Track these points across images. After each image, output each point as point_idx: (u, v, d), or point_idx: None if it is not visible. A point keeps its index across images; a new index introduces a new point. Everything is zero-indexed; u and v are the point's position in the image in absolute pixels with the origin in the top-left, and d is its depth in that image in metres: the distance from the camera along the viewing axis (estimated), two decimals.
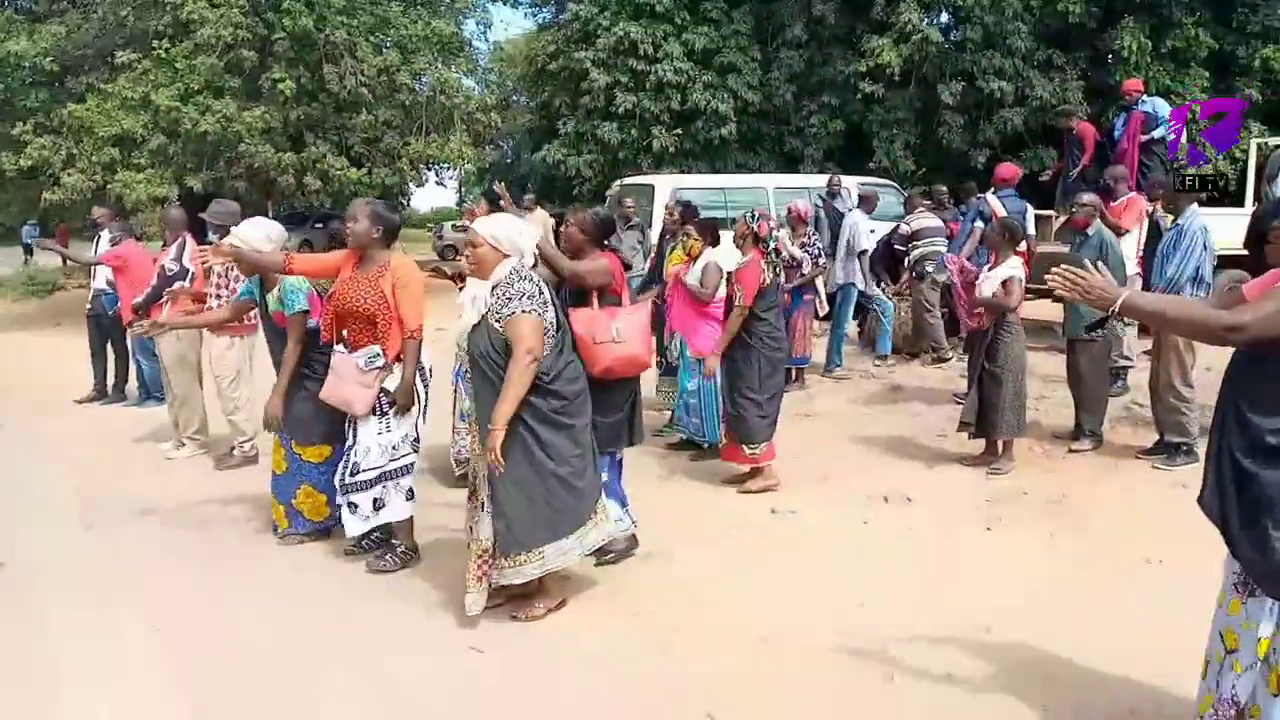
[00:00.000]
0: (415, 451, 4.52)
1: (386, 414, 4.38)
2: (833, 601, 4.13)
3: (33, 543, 5.03)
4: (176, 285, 6.60)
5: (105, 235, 8.26)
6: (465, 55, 18.22)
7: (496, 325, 3.65)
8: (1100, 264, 2.65)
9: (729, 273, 5.97)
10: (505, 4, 20.72)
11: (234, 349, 6.37)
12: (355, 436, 4.43)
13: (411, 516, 4.58)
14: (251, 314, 6.31)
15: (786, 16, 19.96)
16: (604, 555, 4.47)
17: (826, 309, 11.86)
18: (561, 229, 4.52)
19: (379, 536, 4.66)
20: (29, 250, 27.05)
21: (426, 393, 4.51)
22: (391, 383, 4.35)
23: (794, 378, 8.50)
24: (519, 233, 3.77)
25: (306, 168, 15.17)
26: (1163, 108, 10.38)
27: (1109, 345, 6.81)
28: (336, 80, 14.82)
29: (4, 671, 3.61)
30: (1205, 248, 5.99)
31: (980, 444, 6.37)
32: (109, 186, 13.91)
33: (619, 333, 4.18)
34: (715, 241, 6.48)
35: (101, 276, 8.35)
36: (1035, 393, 8.24)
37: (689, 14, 19.86)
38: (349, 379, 4.35)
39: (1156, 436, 6.42)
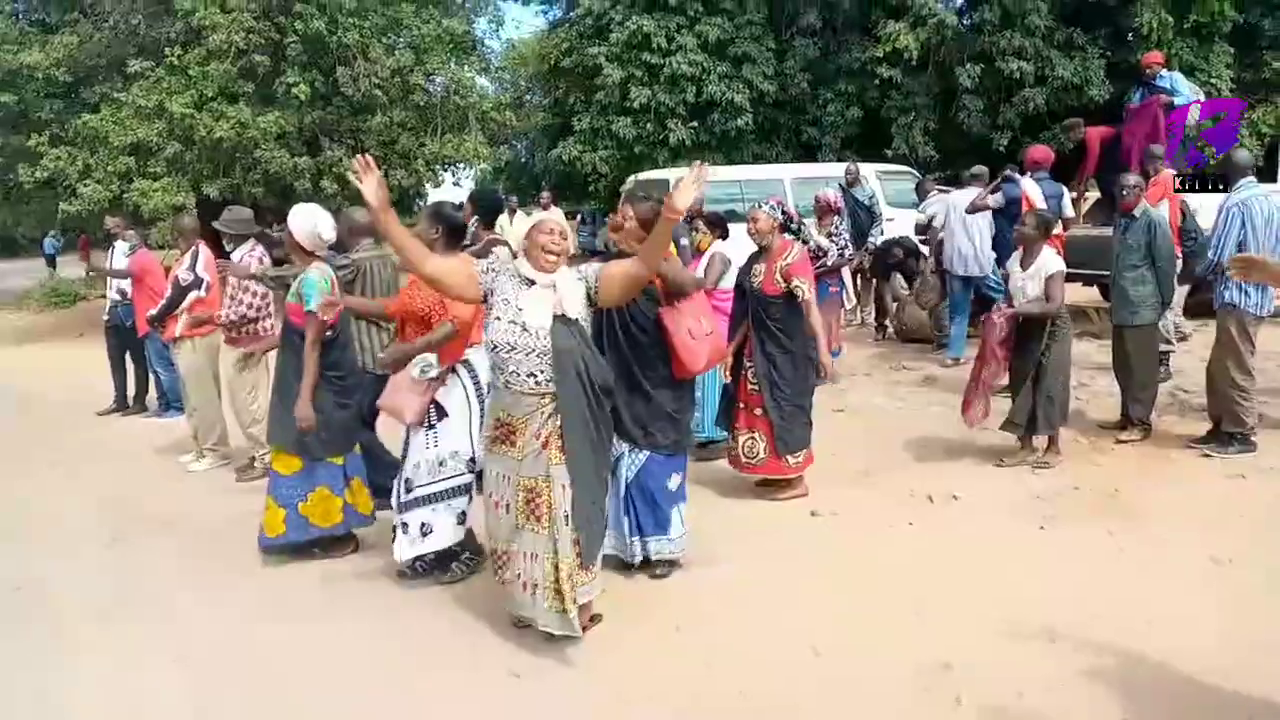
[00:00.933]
0: (470, 471, 4.20)
1: (434, 427, 4.16)
2: (886, 610, 3.94)
3: (52, 562, 4.91)
4: (192, 296, 6.45)
5: (121, 245, 8.14)
6: (478, 54, 18.02)
7: (582, 320, 3.46)
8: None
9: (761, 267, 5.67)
10: (517, 2, 20.45)
11: (251, 360, 6.23)
12: (406, 450, 4.25)
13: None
14: (268, 325, 6.17)
15: (800, 4, 19.72)
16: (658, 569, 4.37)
17: (854, 300, 11.73)
18: (614, 222, 4.29)
19: (433, 556, 4.39)
20: (52, 262, 27.16)
21: (480, 404, 4.19)
22: (445, 394, 4.16)
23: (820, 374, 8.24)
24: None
25: (323, 171, 15.04)
26: (1181, 83, 10.08)
27: (1157, 332, 6.54)
28: (350, 83, 14.66)
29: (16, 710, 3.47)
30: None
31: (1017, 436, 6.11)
32: (125, 196, 13.83)
33: (707, 325, 4.16)
34: (724, 235, 6.30)
35: (114, 286, 8.24)
36: (1075, 380, 8.03)
37: (701, 5, 19.63)
38: (402, 386, 4.19)
39: (1208, 424, 6.19)
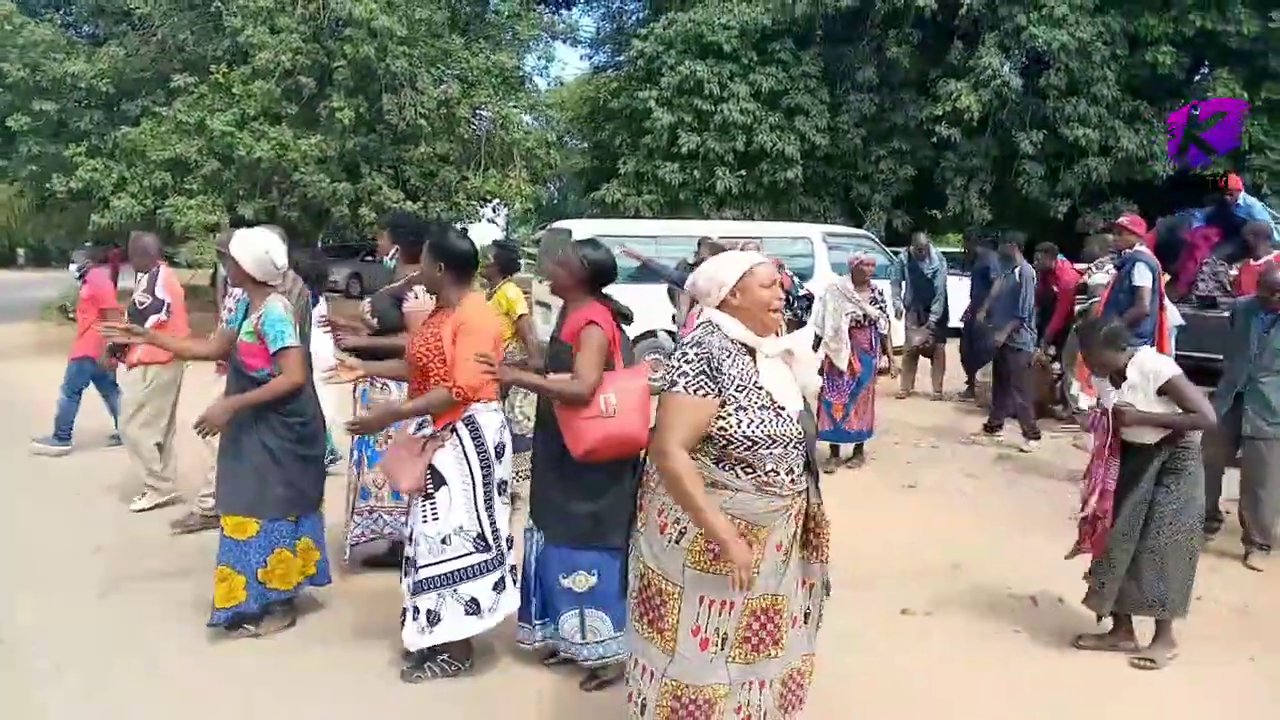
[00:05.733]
0: (482, 550, 3.54)
1: (432, 498, 3.49)
2: None
3: (41, 611, 4.32)
4: (152, 319, 5.78)
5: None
6: (525, 91, 17.72)
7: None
8: None
9: None
10: (565, 42, 20.18)
11: (218, 384, 5.50)
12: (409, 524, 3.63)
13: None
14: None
15: (857, 59, 19.26)
16: (591, 682, 3.67)
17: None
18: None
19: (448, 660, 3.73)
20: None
21: (485, 475, 3.53)
22: (443, 458, 3.50)
23: (855, 453, 7.55)
24: None
25: (361, 199, 14.64)
26: (1259, 210, 9.34)
27: None
28: (395, 111, 14.32)
29: None
30: None
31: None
32: (159, 212, 13.48)
33: (609, 404, 3.31)
34: None
35: None
36: None
37: (756, 54, 19.22)
38: (400, 444, 3.59)
39: None
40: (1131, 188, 18.10)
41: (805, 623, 2.72)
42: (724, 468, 2.50)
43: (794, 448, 2.56)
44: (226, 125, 13.05)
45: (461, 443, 3.50)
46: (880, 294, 7.57)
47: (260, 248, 3.89)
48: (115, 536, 5.41)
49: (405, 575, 3.62)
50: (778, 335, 2.65)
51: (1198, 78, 18.97)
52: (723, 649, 2.56)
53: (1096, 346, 4.08)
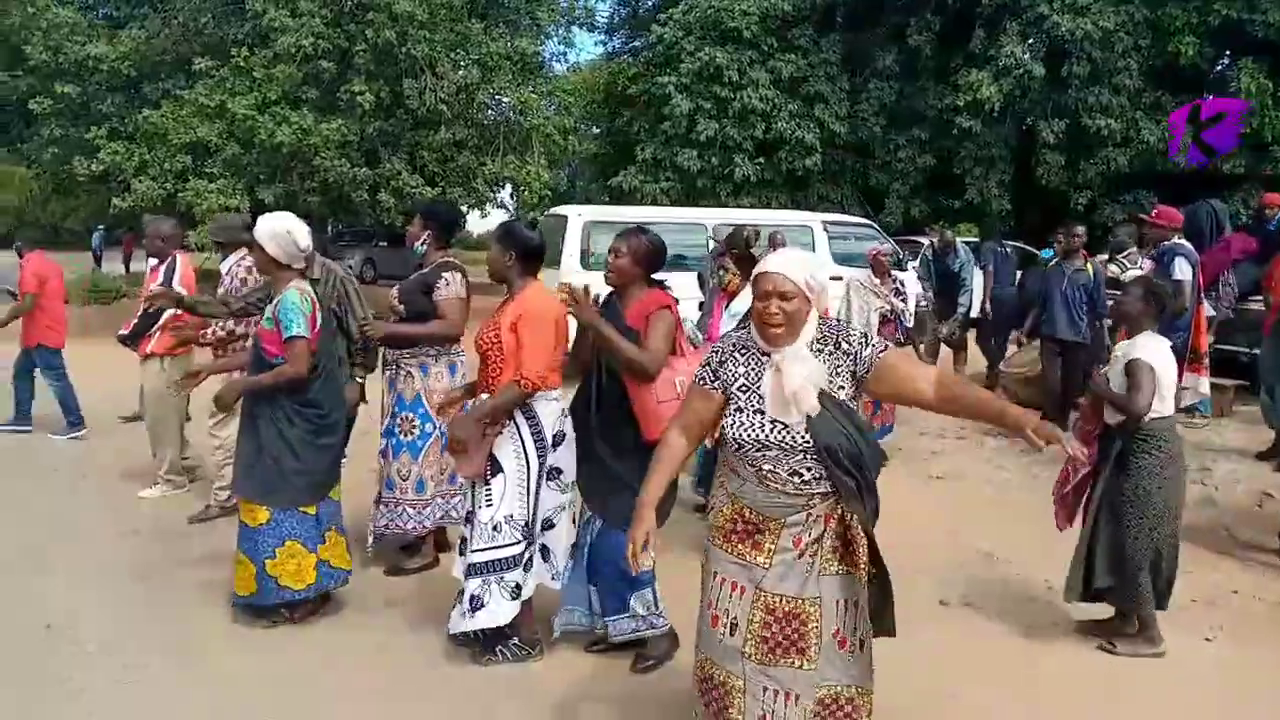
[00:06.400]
0: (526, 540, 3.54)
1: (489, 484, 3.50)
2: None
3: (83, 597, 4.32)
4: (168, 313, 5.62)
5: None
6: (543, 76, 17.70)
7: (843, 396, 2.51)
8: None
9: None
10: (581, 28, 20.06)
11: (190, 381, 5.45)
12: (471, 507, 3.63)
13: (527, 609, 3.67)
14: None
15: (878, 47, 19.19)
16: (645, 661, 3.66)
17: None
18: (609, 258, 3.61)
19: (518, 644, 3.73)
20: (99, 257, 27.04)
21: (540, 464, 3.53)
22: (500, 446, 3.50)
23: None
24: (820, 268, 2.68)
25: (381, 184, 14.65)
26: None
27: None
28: (416, 96, 14.32)
29: None
30: None
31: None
32: (179, 195, 13.52)
33: (683, 388, 3.27)
34: None
35: None
36: (1195, 463, 7.30)
37: (776, 41, 19.16)
38: (460, 428, 3.57)
39: None
40: (1152, 179, 17.99)
41: (854, 647, 2.61)
42: (735, 457, 2.57)
43: (797, 453, 2.48)
44: (247, 109, 13.07)
45: (519, 431, 3.51)
46: (901, 284, 7.51)
47: (281, 227, 3.86)
48: (144, 520, 5.44)
49: (461, 555, 3.63)
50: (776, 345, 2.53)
51: (1220, 68, 18.82)
52: (731, 635, 2.56)
53: (1134, 294, 4.06)
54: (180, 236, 6.08)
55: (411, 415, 4.50)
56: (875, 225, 12.62)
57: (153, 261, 5.95)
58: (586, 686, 3.58)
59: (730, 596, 2.58)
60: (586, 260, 10.01)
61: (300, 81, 13.69)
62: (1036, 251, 12.82)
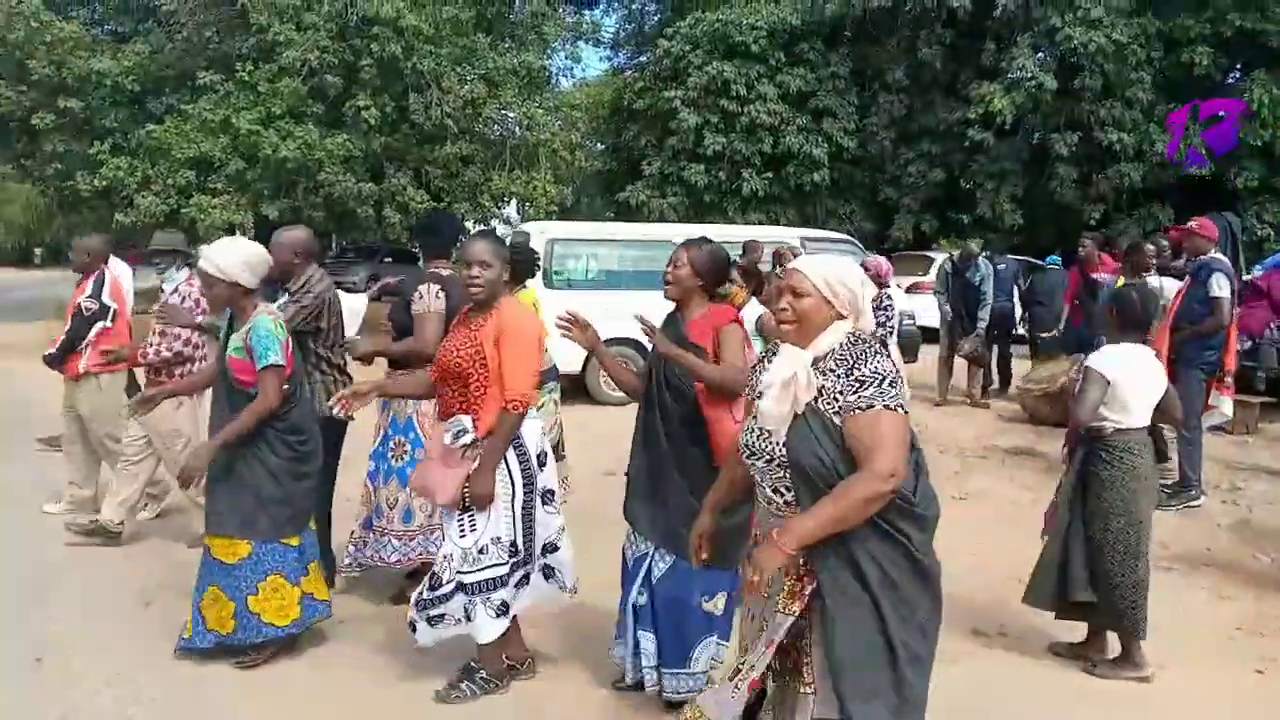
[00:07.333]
0: (514, 557, 3.35)
1: (471, 510, 3.30)
2: None
3: (81, 622, 4.13)
4: (98, 326, 5.46)
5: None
6: (549, 91, 17.57)
7: (835, 420, 2.28)
8: None
9: None
10: (587, 42, 19.94)
11: (183, 408, 5.14)
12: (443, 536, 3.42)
13: (503, 635, 3.45)
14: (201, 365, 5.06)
15: (887, 60, 19.04)
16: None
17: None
18: (668, 270, 3.42)
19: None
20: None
21: (526, 484, 3.35)
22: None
23: None
24: (860, 283, 2.47)
25: (386, 199, 14.49)
26: None
27: None
28: (421, 110, 14.17)
29: None
30: None
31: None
32: (183, 210, 13.37)
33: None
34: (759, 290, 5.42)
35: None
36: (1225, 482, 7.07)
37: (784, 55, 19.03)
38: (435, 458, 3.34)
39: None
40: (1165, 193, 17.81)
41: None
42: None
43: (775, 468, 2.32)
44: (252, 124, 12.93)
45: (504, 454, 3.31)
46: (890, 299, 7.29)
47: (251, 255, 3.64)
48: (143, 542, 5.24)
49: (419, 595, 3.38)
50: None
51: (1232, 79, 18.65)
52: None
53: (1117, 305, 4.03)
54: (108, 251, 5.74)
55: (403, 439, 4.33)
56: (855, 240, 12.23)
57: (79, 276, 5.71)
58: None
59: (745, 623, 2.51)
60: (550, 279, 9.58)
61: (305, 96, 13.55)
62: (1040, 262, 12.56)
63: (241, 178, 13.46)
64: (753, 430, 2.39)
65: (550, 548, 3.48)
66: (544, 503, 3.43)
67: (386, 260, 24.14)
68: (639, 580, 3.35)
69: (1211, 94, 17.99)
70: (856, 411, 2.22)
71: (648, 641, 3.32)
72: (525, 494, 3.34)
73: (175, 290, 5.12)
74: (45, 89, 13.75)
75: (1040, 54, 17.86)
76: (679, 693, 3.29)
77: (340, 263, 25.34)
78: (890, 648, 2.21)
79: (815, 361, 2.30)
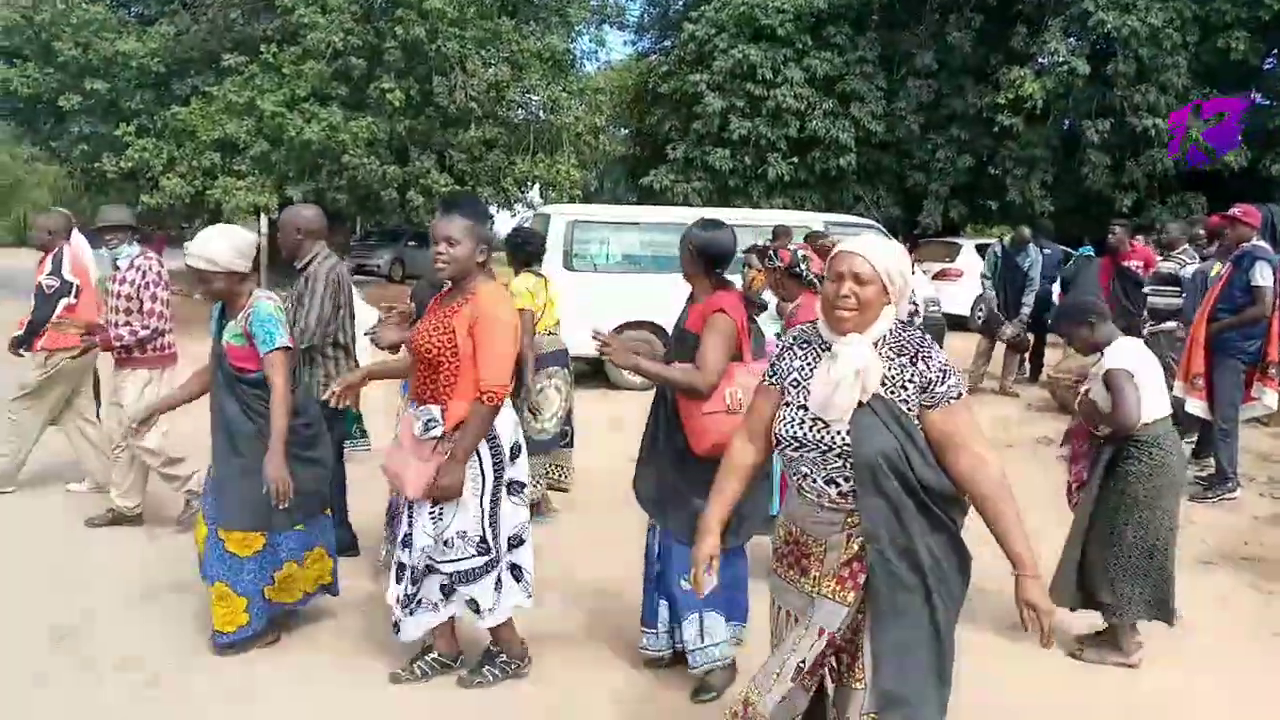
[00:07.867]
0: (483, 554, 3.25)
1: (440, 503, 3.20)
2: None
3: (105, 604, 4.07)
4: (61, 303, 5.37)
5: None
6: (574, 75, 17.43)
7: (903, 407, 2.22)
8: None
9: None
10: (612, 26, 19.80)
11: (150, 386, 5.07)
12: (409, 527, 3.31)
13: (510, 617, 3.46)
14: (170, 343, 5.17)
15: (915, 44, 18.74)
16: (706, 694, 3.41)
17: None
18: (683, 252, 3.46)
19: (437, 658, 3.54)
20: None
21: (496, 477, 3.24)
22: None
23: None
24: (910, 269, 2.42)
25: (410, 182, 14.46)
26: None
27: None
28: (446, 93, 14.10)
29: None
30: None
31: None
32: (207, 192, 13.40)
33: (735, 399, 3.10)
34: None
35: None
36: (1263, 475, 6.94)
37: (811, 38, 18.74)
38: (405, 447, 3.25)
39: None
40: (1199, 180, 17.47)
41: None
42: (782, 462, 2.43)
43: (834, 458, 2.26)
44: (276, 106, 12.92)
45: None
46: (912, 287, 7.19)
47: (241, 241, 3.57)
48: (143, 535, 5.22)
49: (398, 582, 3.33)
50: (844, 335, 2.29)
51: (1269, 65, 18.23)
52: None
53: (1064, 322, 4.04)
54: (70, 227, 5.68)
55: None
56: (880, 226, 12.06)
57: (40, 254, 5.68)
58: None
59: (787, 625, 2.43)
60: (570, 260, 9.64)
61: (329, 78, 13.52)
62: (1071, 251, 12.35)
63: (266, 160, 13.46)
64: (802, 422, 2.31)
65: (515, 540, 3.39)
66: (510, 493, 3.32)
67: (411, 244, 24.15)
68: (655, 554, 3.46)
69: (1248, 80, 17.62)
70: (951, 402, 2.23)
71: (664, 609, 3.44)
72: (494, 487, 3.25)
73: (132, 265, 5.08)
74: (72, 70, 13.78)
75: (1072, 38, 17.50)
76: (704, 665, 3.36)
77: (365, 246, 25.38)
78: (938, 635, 2.24)
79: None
